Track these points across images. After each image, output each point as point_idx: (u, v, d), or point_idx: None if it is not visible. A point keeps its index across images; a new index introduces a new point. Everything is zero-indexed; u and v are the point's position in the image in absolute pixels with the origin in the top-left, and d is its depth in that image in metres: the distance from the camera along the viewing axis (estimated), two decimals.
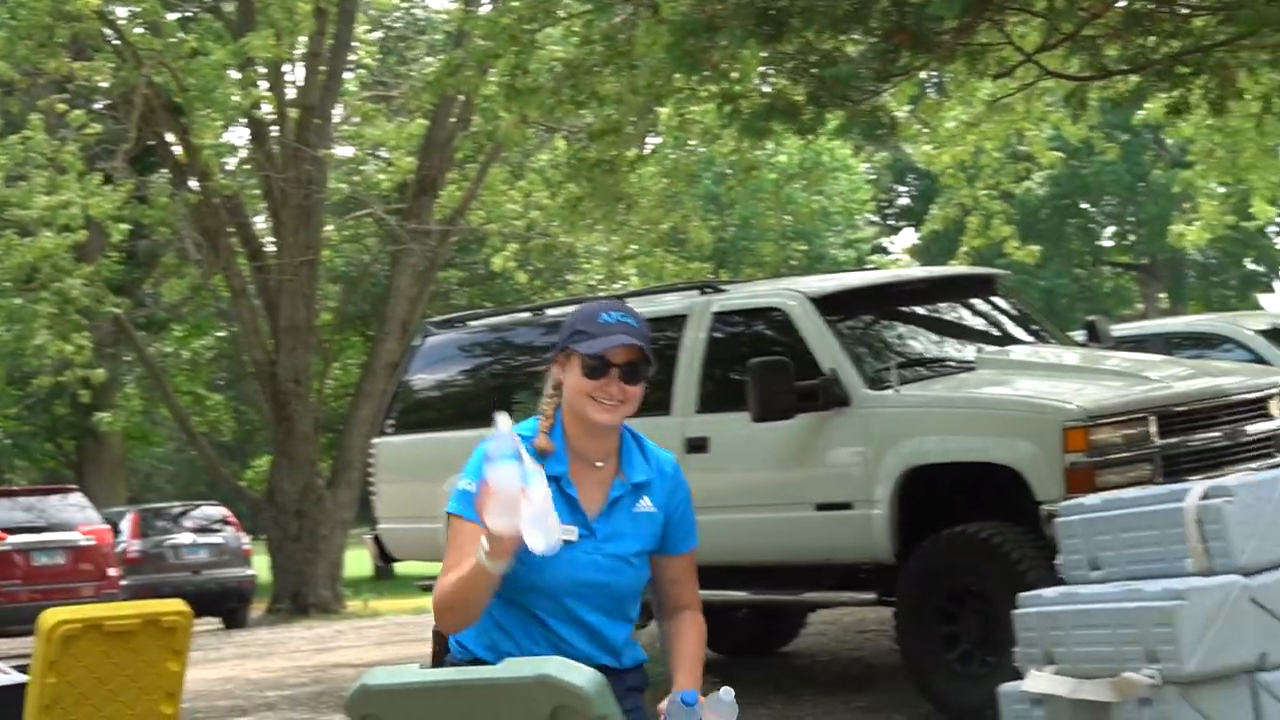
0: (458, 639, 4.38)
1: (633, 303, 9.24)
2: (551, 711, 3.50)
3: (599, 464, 4.35)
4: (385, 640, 21.56)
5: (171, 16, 26.83)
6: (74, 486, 26.75)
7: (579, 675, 3.50)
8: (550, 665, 3.56)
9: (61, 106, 24.01)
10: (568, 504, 4.25)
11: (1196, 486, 5.92)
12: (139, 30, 25.10)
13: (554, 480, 4.20)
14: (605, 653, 4.30)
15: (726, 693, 4.18)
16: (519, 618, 4.27)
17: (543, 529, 3.91)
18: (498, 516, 3.88)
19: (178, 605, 8.79)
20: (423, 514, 13.78)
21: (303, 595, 27.06)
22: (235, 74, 24.89)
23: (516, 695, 3.60)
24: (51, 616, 8.36)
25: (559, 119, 18.75)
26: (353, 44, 29.82)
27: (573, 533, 4.20)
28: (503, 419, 4.04)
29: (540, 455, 4.23)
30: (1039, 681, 5.93)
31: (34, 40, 22.45)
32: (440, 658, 4.53)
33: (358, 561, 32.88)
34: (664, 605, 4.51)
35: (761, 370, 10.46)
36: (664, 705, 4.23)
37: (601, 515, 4.30)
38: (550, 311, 14.35)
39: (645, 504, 4.37)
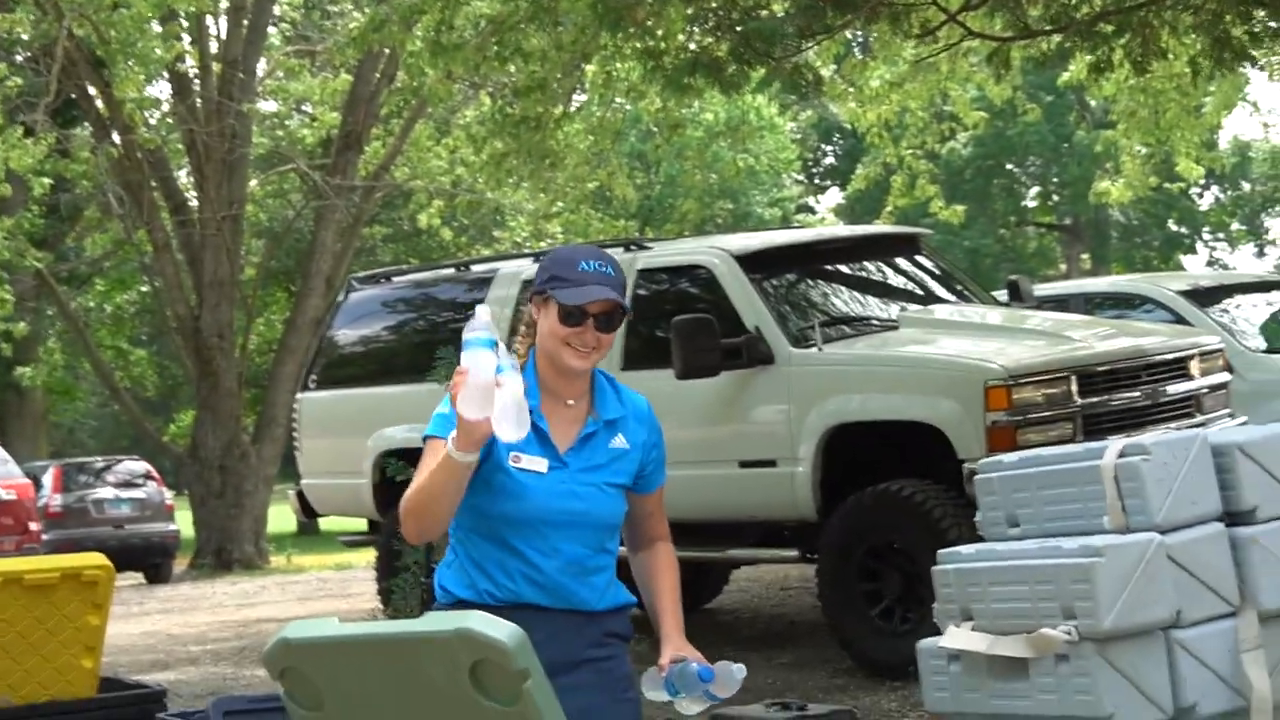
0: (441, 583, 4.42)
1: None
2: (472, 665, 3.51)
3: (570, 402, 4.39)
4: (308, 595, 21.76)
5: None
6: None
7: (499, 629, 3.50)
8: (470, 619, 3.55)
9: None
10: (538, 437, 4.28)
11: (1114, 445, 6.01)
12: None
13: None
14: (585, 588, 4.34)
15: (740, 670, 4.29)
16: (497, 556, 4.30)
17: (513, 420, 3.91)
18: (470, 404, 3.88)
19: (99, 559, 8.79)
20: (346, 469, 14.05)
21: (226, 550, 27.28)
22: (157, 27, 24.82)
23: (437, 649, 3.60)
24: None
25: (484, 75, 18.80)
26: None
27: (542, 464, 4.24)
28: (483, 309, 4.11)
29: None
30: (956, 637, 6.01)
31: None
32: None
33: (282, 517, 32.95)
34: (638, 539, 4.57)
35: (685, 328, 10.51)
36: (665, 662, 4.31)
37: (573, 449, 4.32)
38: (475, 268, 14.52)
39: (620, 441, 4.42)
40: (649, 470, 4.49)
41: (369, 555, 17.84)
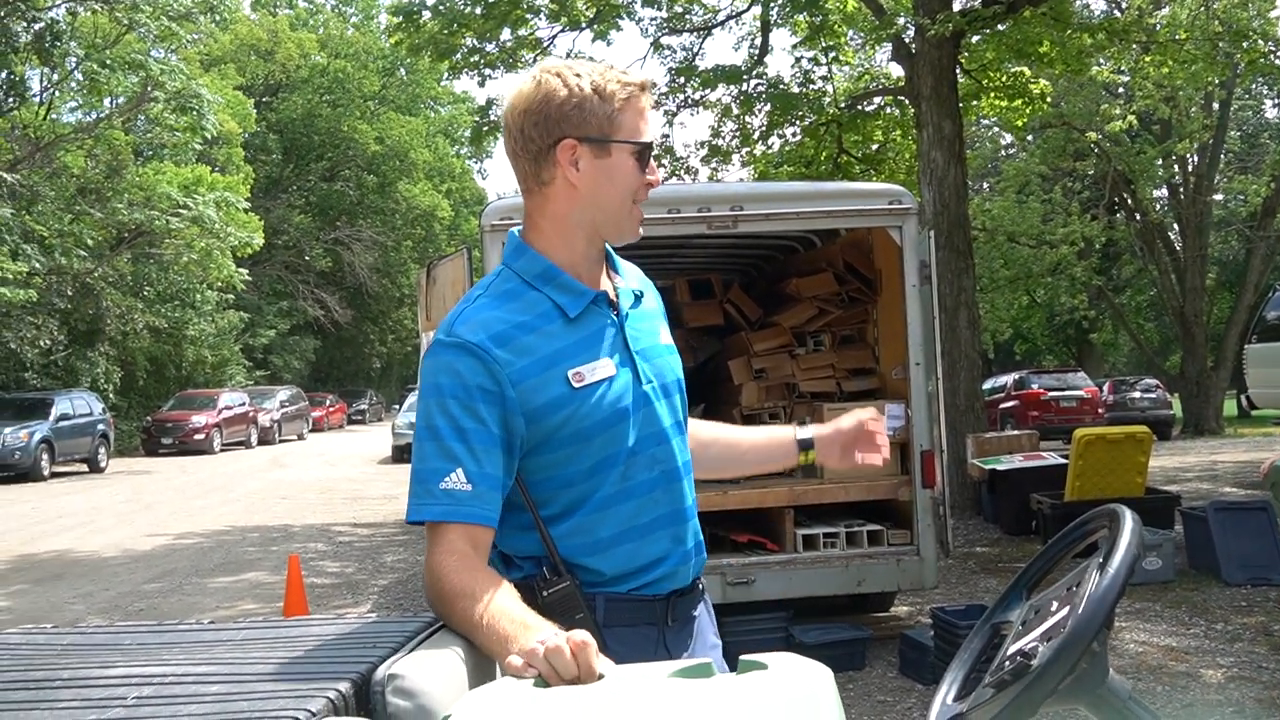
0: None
1: None
2: None
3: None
4: (1254, 448, 28.31)
5: None
6: None
7: None
8: None
9: None
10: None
11: None
12: None
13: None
14: None
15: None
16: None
17: None
18: None
19: (1143, 428, 12.41)
20: (1276, 384, 17.04)
21: (1202, 424, 37.62)
22: None
23: None
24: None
25: None
26: None
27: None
28: None
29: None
30: None
31: None
32: None
33: (1229, 408, 43.95)
34: None
35: None
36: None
37: None
38: None
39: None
40: None
41: None
